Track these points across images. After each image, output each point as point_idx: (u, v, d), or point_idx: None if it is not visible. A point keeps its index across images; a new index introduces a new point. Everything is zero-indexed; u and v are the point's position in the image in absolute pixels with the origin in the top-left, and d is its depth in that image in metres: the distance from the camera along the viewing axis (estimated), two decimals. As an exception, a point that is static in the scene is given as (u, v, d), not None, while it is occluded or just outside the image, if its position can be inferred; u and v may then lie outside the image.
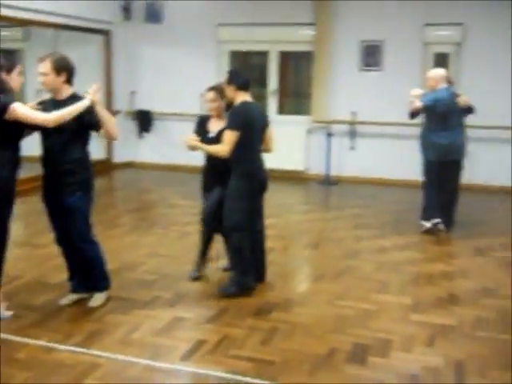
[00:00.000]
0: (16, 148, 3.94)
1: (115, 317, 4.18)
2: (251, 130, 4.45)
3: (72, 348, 3.68)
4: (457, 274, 5.20)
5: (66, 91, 4.04)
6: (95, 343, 3.75)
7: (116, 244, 5.92)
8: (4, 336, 3.82)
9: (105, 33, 9.93)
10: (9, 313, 4.12)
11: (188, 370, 3.45)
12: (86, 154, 4.15)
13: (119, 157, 10.39)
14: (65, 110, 3.84)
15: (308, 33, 9.36)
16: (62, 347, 3.68)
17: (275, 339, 3.85)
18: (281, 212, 7.35)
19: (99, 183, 9.43)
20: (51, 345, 3.71)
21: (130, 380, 3.33)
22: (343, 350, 3.70)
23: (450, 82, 6.53)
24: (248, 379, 3.33)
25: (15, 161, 3.94)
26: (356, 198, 8.37)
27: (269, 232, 6.34)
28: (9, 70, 3.86)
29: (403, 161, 8.85)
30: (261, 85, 9.86)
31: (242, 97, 4.47)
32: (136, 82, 10.29)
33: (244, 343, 3.79)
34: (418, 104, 6.25)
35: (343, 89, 9.27)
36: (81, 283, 4.42)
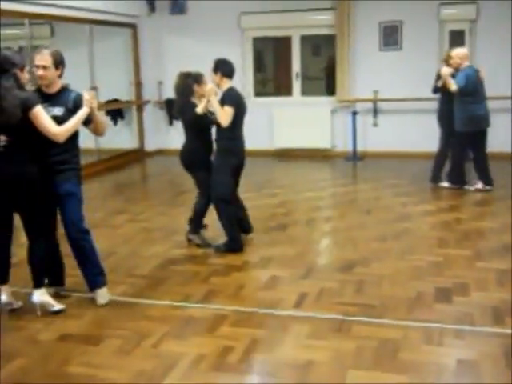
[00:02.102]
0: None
1: (219, 278, 4.74)
2: (238, 111, 5.10)
3: (197, 305, 4.23)
4: (502, 230, 5.77)
5: (58, 85, 4.15)
6: (213, 300, 4.31)
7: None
8: (127, 299, 4.37)
9: (132, 26, 10.38)
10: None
11: (306, 314, 4.02)
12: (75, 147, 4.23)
13: (150, 145, 10.89)
14: (70, 122, 3.99)
15: (328, 17, 9.88)
16: (188, 305, 4.24)
17: (366, 288, 4.44)
18: (321, 186, 7.92)
19: (135, 171, 10.03)
20: (177, 303, 4.26)
21: (259, 325, 3.90)
22: (429, 293, 4.29)
23: None
24: (363, 318, 3.91)
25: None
26: (384, 170, 8.93)
27: (321, 203, 6.94)
28: (22, 68, 4.02)
29: (423, 133, 9.40)
30: (285, 69, 10.38)
31: (228, 84, 5.13)
32: (163, 73, 10.74)
33: (341, 293, 4.37)
34: (455, 87, 6.86)
35: (364, 69, 9.82)
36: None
